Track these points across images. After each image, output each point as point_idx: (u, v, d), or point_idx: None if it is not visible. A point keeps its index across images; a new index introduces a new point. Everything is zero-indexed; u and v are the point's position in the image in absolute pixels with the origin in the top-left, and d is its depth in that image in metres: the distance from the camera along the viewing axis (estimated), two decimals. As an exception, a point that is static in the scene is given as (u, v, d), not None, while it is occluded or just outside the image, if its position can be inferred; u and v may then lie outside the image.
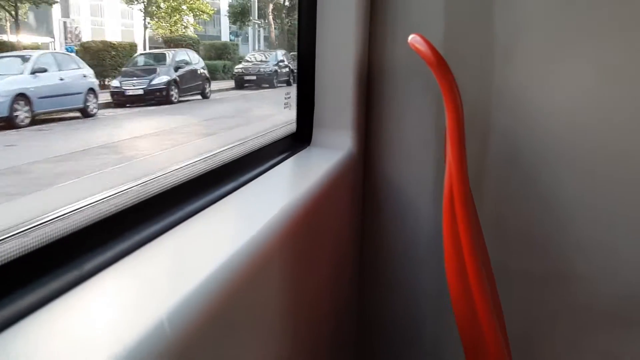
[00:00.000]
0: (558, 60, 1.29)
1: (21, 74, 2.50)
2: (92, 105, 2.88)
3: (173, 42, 3.92)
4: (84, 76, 2.84)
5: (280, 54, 6.50)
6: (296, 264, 0.88)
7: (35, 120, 2.46)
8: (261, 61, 5.94)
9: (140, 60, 3.73)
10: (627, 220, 1.30)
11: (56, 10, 2.90)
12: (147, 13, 3.75)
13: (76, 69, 2.83)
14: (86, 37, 3.13)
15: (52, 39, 2.86)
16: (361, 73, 1.30)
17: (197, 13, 4.31)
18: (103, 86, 3.07)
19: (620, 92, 1.27)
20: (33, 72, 2.54)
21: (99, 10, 3.64)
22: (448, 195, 0.75)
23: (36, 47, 2.80)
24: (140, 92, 3.41)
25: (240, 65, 5.78)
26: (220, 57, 5.34)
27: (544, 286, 1.37)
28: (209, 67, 4.43)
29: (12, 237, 0.57)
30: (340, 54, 1.28)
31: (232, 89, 5.42)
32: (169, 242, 0.69)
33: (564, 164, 1.31)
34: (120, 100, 3.27)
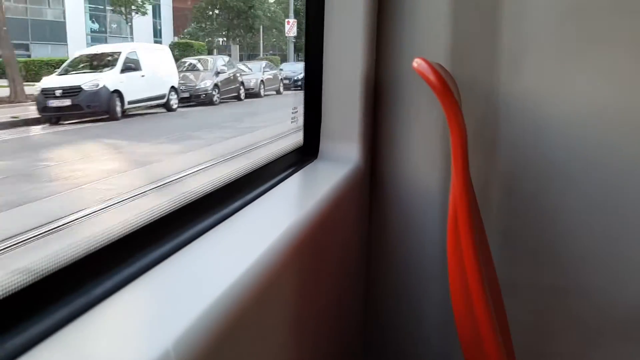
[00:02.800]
0: (565, 73, 1.29)
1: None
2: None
3: None
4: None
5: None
6: (304, 281, 0.89)
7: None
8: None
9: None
10: (636, 233, 1.30)
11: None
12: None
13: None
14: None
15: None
16: (368, 86, 1.31)
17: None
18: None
19: (630, 104, 1.27)
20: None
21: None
22: (452, 218, 0.75)
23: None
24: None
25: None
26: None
27: (551, 299, 1.37)
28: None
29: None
30: (347, 67, 1.28)
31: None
32: (176, 266, 0.69)
33: (571, 177, 1.30)
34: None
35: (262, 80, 7.54)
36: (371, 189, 1.38)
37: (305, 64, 1.33)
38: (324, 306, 1.05)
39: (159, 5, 6.92)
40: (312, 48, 1.31)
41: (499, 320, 1.02)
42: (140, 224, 0.74)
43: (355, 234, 1.33)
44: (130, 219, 0.74)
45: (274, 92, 7.84)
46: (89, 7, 5.66)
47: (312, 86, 1.31)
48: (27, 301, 0.54)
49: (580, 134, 1.29)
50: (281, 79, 7.90)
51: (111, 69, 4.68)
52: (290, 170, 1.19)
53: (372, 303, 1.43)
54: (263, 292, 0.72)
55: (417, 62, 0.73)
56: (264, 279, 0.73)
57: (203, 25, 7.77)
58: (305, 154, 1.31)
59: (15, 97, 3.71)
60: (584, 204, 1.31)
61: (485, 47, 1.31)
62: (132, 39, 5.98)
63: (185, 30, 7.75)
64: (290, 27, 8.27)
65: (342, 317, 1.24)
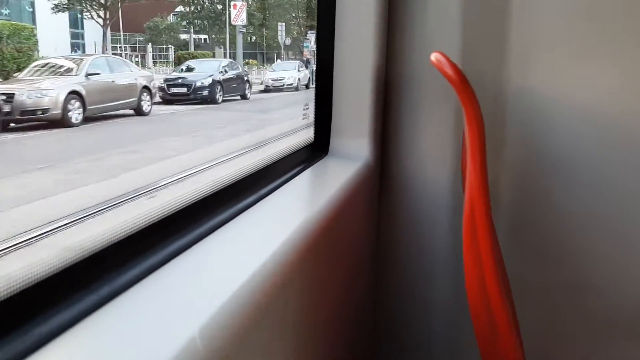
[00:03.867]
0: (574, 71, 1.29)
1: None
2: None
3: None
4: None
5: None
6: (317, 276, 0.89)
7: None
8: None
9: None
10: None
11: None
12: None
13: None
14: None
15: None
16: (379, 82, 1.31)
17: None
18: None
19: (638, 101, 1.27)
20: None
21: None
22: (469, 212, 0.75)
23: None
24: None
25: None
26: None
27: (561, 297, 1.37)
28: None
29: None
30: (358, 64, 1.28)
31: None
32: (195, 257, 0.70)
33: (581, 174, 1.30)
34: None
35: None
36: (381, 185, 1.38)
37: (317, 61, 1.33)
38: (334, 301, 1.05)
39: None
40: (323, 45, 1.32)
41: (511, 318, 1.02)
42: (157, 217, 0.74)
43: (366, 230, 1.33)
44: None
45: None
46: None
47: (323, 82, 1.31)
48: (54, 288, 0.54)
49: (590, 132, 1.29)
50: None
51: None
52: (301, 167, 1.19)
53: (382, 298, 1.43)
54: (279, 286, 0.73)
55: (435, 57, 0.73)
56: (280, 274, 0.73)
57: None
58: (315, 150, 1.31)
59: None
60: (594, 201, 1.31)
61: (496, 44, 1.31)
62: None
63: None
64: (238, 13, 6.77)
65: (353, 312, 1.24)
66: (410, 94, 1.33)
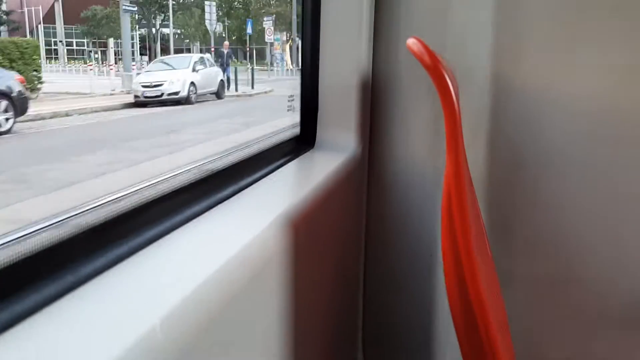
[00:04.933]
0: (563, 65, 1.28)
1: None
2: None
3: None
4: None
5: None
6: (299, 266, 0.88)
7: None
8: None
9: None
10: (633, 224, 1.29)
11: None
12: None
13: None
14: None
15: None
16: (365, 75, 1.30)
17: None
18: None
19: (627, 96, 1.26)
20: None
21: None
22: (446, 197, 0.75)
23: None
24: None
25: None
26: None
27: (550, 290, 1.36)
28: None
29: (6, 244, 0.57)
30: (344, 57, 1.28)
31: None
32: (167, 247, 0.69)
33: (569, 168, 1.30)
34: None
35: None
36: (369, 177, 1.37)
37: (302, 53, 1.33)
38: (320, 292, 1.05)
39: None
40: (308, 38, 1.31)
41: (496, 310, 1.02)
42: (135, 204, 0.73)
43: (353, 221, 1.32)
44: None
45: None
46: None
47: (309, 74, 1.31)
48: (15, 276, 0.54)
49: (578, 126, 1.29)
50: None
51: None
52: (286, 159, 1.19)
53: (369, 290, 1.42)
54: (254, 277, 0.72)
55: (411, 41, 0.72)
56: (257, 262, 0.72)
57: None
58: (302, 142, 1.30)
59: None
60: (582, 195, 1.31)
61: (483, 39, 1.30)
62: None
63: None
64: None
65: (338, 305, 1.24)
66: (396, 85, 1.33)
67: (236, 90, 8.58)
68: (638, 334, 1.33)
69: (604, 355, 1.36)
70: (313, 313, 1.00)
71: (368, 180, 1.38)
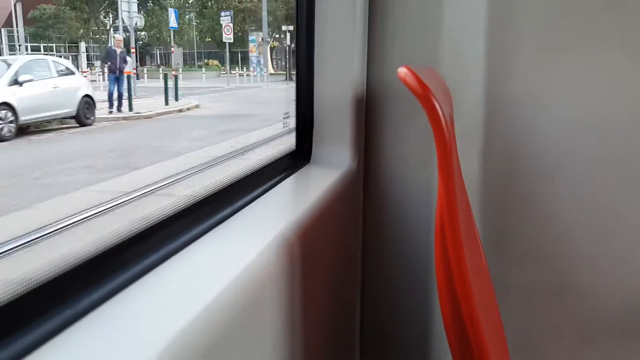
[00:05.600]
0: (555, 73, 1.29)
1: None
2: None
3: None
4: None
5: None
6: (297, 284, 0.89)
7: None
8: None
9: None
10: (628, 231, 1.30)
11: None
12: None
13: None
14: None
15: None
16: (359, 91, 1.31)
17: None
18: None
19: (619, 102, 1.27)
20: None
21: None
22: (439, 222, 0.76)
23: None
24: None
25: None
26: None
27: (546, 299, 1.37)
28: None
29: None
30: (338, 72, 1.29)
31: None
32: (164, 275, 0.69)
33: (564, 179, 1.31)
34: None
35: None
36: (364, 191, 1.38)
37: (297, 68, 1.34)
38: (317, 310, 1.06)
39: None
40: (302, 54, 1.32)
41: (492, 320, 1.03)
42: (130, 232, 0.74)
43: (350, 236, 1.33)
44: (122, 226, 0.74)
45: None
46: None
47: (303, 91, 1.32)
48: (13, 313, 0.54)
49: (572, 134, 1.30)
50: None
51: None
52: (282, 175, 1.20)
53: (367, 303, 1.43)
54: (254, 299, 0.73)
55: (402, 71, 0.73)
56: (256, 285, 0.73)
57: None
58: (297, 158, 1.31)
59: None
60: (576, 203, 1.32)
61: (476, 49, 1.31)
62: None
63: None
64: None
65: (337, 319, 1.25)
66: (390, 100, 1.34)
67: (130, 109, 6.14)
68: (633, 343, 1.34)
69: None
70: (312, 328, 1.01)
71: (364, 194, 1.39)
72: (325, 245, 1.09)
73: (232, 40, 11.43)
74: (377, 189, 1.37)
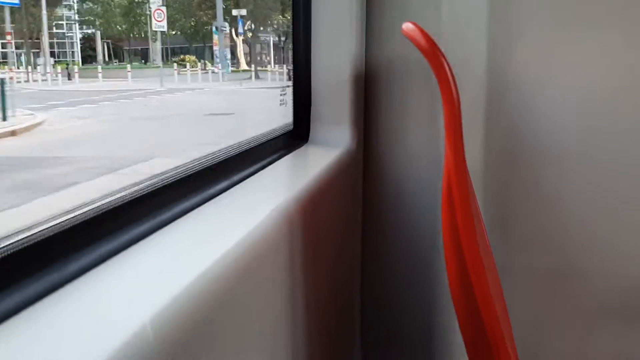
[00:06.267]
0: (557, 57, 1.27)
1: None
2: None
3: None
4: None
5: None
6: (294, 262, 0.86)
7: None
8: None
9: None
10: (632, 216, 1.29)
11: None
12: None
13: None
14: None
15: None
16: (358, 68, 1.28)
17: None
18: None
19: (623, 87, 1.26)
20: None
21: None
22: (446, 185, 0.72)
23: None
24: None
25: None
26: None
27: (550, 285, 1.35)
28: None
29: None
30: (336, 50, 1.26)
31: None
32: (158, 243, 0.66)
33: (567, 162, 1.29)
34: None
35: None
36: (364, 171, 1.35)
37: (293, 47, 1.30)
38: (316, 288, 1.02)
39: None
40: (299, 31, 1.29)
41: (498, 303, 1.00)
42: (126, 198, 0.71)
43: (349, 215, 1.30)
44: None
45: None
46: None
47: (301, 69, 1.28)
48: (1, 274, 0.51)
49: (575, 118, 1.28)
50: None
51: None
52: (279, 154, 1.16)
53: (368, 285, 1.40)
54: (250, 272, 0.69)
55: (407, 26, 0.70)
56: (251, 259, 0.70)
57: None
58: (295, 137, 1.28)
59: None
60: (580, 187, 1.30)
61: (477, 32, 1.29)
62: None
63: None
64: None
65: (336, 301, 1.21)
66: (391, 79, 1.31)
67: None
68: (638, 325, 1.32)
69: (605, 347, 1.35)
70: (310, 309, 0.98)
71: (364, 174, 1.36)
72: (325, 222, 1.06)
73: (164, 29, 9.78)
74: (378, 168, 1.34)
